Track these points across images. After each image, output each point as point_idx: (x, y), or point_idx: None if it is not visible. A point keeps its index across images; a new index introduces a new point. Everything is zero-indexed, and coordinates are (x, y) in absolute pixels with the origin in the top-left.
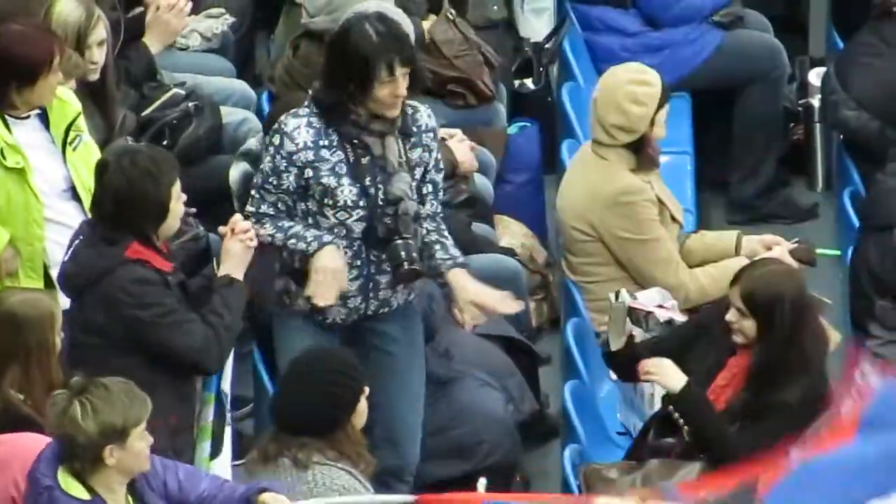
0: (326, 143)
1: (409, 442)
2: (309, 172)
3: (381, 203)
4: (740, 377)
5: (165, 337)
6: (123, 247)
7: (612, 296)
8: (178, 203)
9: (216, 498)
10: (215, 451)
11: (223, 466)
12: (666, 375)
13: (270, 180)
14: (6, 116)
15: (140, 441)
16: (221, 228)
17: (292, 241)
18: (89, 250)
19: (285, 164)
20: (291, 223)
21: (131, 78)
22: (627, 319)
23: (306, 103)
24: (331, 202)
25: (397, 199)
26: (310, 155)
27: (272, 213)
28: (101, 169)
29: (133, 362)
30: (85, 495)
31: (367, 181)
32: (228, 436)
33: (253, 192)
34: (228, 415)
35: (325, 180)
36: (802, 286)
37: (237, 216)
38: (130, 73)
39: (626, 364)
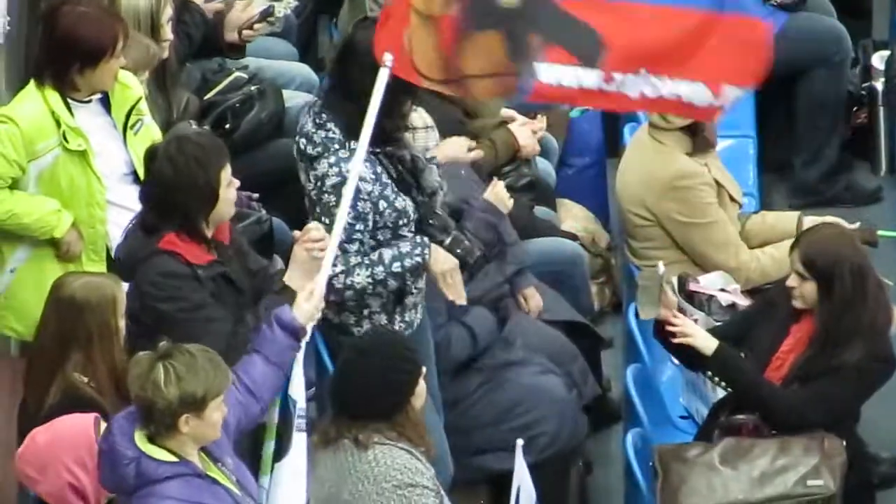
0: (378, 169)
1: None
2: (383, 204)
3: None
4: (804, 342)
5: (187, 333)
6: (159, 237)
7: (660, 265)
8: (229, 189)
9: (245, 385)
10: (279, 453)
11: (287, 469)
12: (699, 338)
13: (357, 228)
14: (68, 100)
15: (216, 412)
16: (295, 233)
17: (396, 264)
18: (134, 237)
19: (370, 207)
20: (375, 254)
21: (193, 42)
22: (670, 290)
23: (338, 144)
24: (405, 220)
25: (434, 192)
26: (377, 188)
27: (358, 260)
28: (150, 156)
29: None
30: (171, 457)
31: (414, 189)
32: (301, 441)
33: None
34: (299, 421)
35: (398, 203)
36: (862, 249)
37: (312, 224)
38: (191, 37)
39: (682, 348)
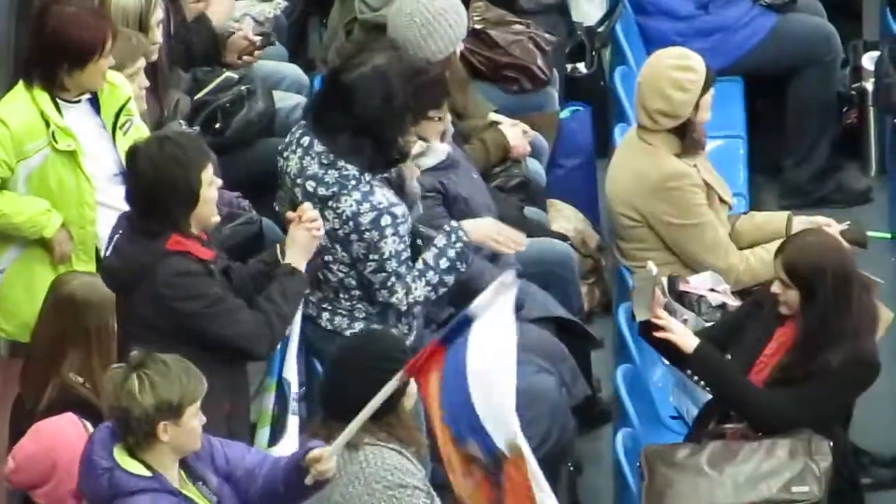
0: (392, 189)
1: None
2: (409, 224)
3: None
4: (787, 346)
5: (214, 326)
6: (164, 239)
7: (651, 265)
8: (210, 189)
9: (260, 473)
10: (274, 439)
11: (283, 454)
12: (679, 334)
13: (403, 255)
14: (57, 100)
15: (194, 419)
16: (289, 214)
17: (443, 261)
18: (131, 245)
19: (406, 228)
20: (418, 263)
21: (194, 54)
22: (657, 291)
23: (356, 173)
24: (412, 231)
25: (416, 201)
26: (403, 208)
27: (412, 276)
28: (130, 157)
29: (187, 353)
30: (146, 472)
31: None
32: (294, 424)
33: (393, 283)
34: (294, 404)
35: (410, 217)
36: (845, 255)
37: (306, 204)
38: (189, 45)
39: (669, 347)
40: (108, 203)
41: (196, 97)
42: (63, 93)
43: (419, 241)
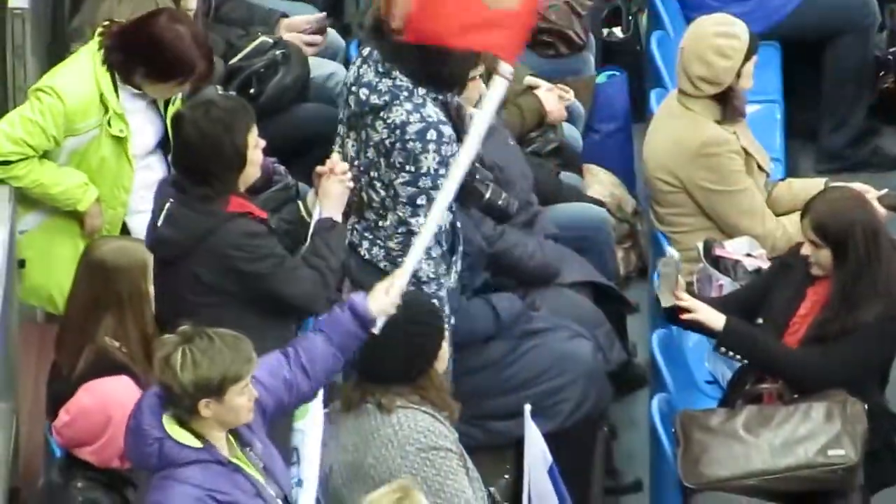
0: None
1: None
2: (456, 147)
3: None
4: (820, 305)
5: (279, 286)
6: (222, 202)
7: (699, 245)
8: (255, 151)
9: (302, 366)
10: None
11: (315, 413)
12: (703, 312)
13: (441, 172)
14: (117, 80)
15: (239, 397)
16: (319, 168)
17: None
18: (187, 212)
19: (452, 150)
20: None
21: (233, 48)
22: (679, 277)
23: (407, 91)
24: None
25: None
26: (452, 131)
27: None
28: (176, 122)
29: (245, 314)
30: (195, 442)
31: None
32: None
33: (423, 201)
34: None
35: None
36: (871, 209)
37: (335, 156)
38: (233, 45)
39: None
40: (138, 168)
41: (230, 62)
42: (128, 84)
43: (475, 183)
